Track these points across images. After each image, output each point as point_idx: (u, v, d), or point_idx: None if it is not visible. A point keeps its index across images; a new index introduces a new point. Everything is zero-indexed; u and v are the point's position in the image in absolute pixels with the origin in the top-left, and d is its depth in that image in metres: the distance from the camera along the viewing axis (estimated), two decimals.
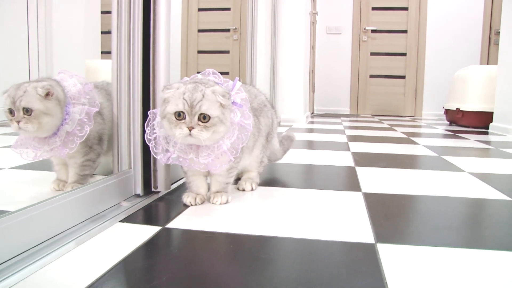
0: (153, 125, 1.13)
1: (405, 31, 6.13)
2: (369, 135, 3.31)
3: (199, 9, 5.64)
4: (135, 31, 1.21)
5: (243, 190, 1.36)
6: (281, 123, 4.07)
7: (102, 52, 3.81)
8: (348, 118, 5.29)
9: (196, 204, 1.18)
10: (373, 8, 6.21)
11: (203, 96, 1.01)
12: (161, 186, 1.30)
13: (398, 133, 3.51)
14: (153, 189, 1.30)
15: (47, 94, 1.09)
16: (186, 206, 1.17)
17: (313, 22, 5.36)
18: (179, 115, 1.01)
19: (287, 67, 4.14)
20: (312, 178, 1.65)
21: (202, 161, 1.09)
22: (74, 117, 1.15)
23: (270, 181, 1.52)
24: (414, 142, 2.85)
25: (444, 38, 6.01)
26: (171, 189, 1.35)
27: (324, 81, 6.42)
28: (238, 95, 1.14)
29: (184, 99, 1.01)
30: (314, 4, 5.38)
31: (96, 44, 3.82)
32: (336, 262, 0.82)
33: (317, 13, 5.55)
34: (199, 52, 5.67)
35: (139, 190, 1.24)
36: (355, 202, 1.25)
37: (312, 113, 6.07)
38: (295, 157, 2.02)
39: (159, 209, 1.18)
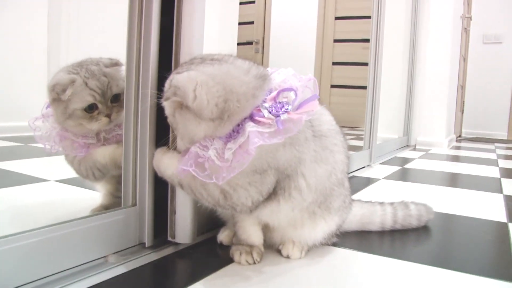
0: None
1: None
2: None
3: (336, 18, 5.19)
4: (149, 40, 0.82)
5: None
6: (417, 147, 3.38)
7: None
8: (505, 145, 4.29)
9: (254, 263, 0.80)
10: None
11: None
12: (181, 236, 0.87)
13: None
14: (169, 238, 0.88)
15: None
16: (211, 270, 0.74)
17: (465, 28, 4.50)
18: None
19: (428, 81, 3.43)
20: (432, 240, 1.06)
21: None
22: None
23: (360, 238, 0.99)
24: None
25: None
26: (198, 241, 0.92)
27: (476, 99, 5.38)
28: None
29: None
30: (468, 8, 4.52)
31: None
32: None
33: (471, 18, 4.66)
34: (333, 64, 5.21)
35: (146, 238, 0.84)
36: None
37: (459, 136, 5.12)
38: (416, 197, 1.39)
39: (165, 272, 0.76)
